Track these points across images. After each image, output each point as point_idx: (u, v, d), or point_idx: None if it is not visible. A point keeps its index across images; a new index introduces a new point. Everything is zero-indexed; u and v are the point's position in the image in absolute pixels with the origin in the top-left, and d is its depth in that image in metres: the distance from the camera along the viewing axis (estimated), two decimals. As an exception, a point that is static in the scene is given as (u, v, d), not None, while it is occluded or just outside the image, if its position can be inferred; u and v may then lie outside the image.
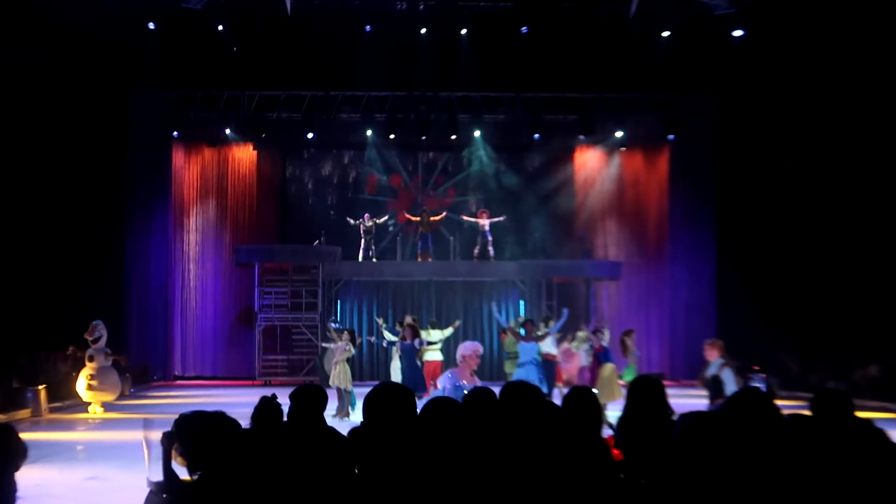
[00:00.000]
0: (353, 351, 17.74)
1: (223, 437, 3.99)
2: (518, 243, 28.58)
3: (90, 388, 18.46)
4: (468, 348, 9.94)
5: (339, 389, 17.13)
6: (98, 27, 22.16)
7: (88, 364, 18.55)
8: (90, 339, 18.39)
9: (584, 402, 4.71)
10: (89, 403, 18.55)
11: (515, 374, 15.75)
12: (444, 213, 27.93)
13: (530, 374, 14.84)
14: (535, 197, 29.65)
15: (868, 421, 4.53)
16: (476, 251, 27.30)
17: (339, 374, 17.19)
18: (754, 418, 4.05)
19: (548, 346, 17.43)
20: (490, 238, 26.89)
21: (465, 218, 27.87)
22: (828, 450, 4.04)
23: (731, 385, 11.04)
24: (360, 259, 27.31)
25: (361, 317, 28.15)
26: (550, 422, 4.11)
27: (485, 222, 26.98)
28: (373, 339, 22.80)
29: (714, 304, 27.44)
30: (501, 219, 27.44)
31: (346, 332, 18.05)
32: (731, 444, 3.51)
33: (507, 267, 27.65)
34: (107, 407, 18.75)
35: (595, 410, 4.70)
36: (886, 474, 3.96)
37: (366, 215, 27.56)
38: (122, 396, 20.48)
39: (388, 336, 19.85)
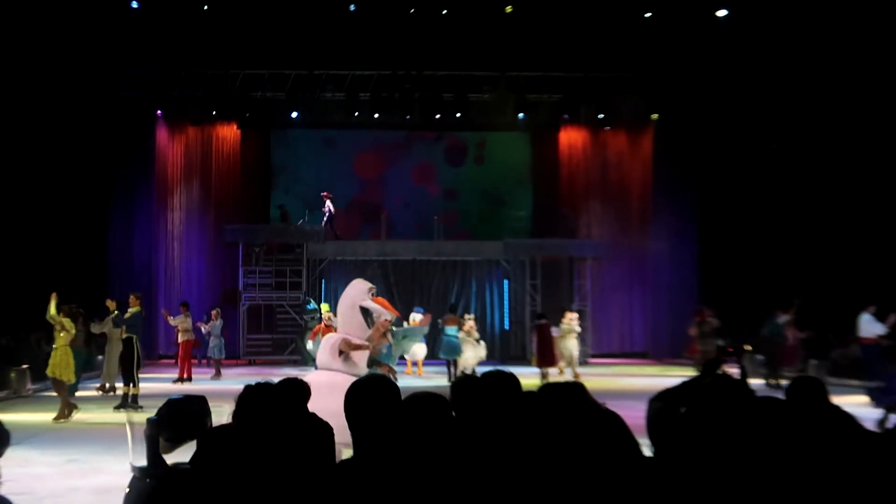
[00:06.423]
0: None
1: (203, 427, 4.02)
2: (502, 222, 28.76)
3: None
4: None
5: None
6: (82, 4, 21.99)
7: None
8: None
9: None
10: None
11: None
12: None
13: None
14: (520, 176, 29.80)
15: (839, 407, 4.59)
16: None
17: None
18: (729, 407, 4.05)
19: None
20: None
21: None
22: (799, 433, 4.08)
23: None
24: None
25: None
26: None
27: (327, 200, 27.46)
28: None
29: (696, 284, 27.60)
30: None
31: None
32: (703, 435, 3.53)
33: (492, 246, 27.72)
34: None
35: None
36: (855, 459, 4.01)
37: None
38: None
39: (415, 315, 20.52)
